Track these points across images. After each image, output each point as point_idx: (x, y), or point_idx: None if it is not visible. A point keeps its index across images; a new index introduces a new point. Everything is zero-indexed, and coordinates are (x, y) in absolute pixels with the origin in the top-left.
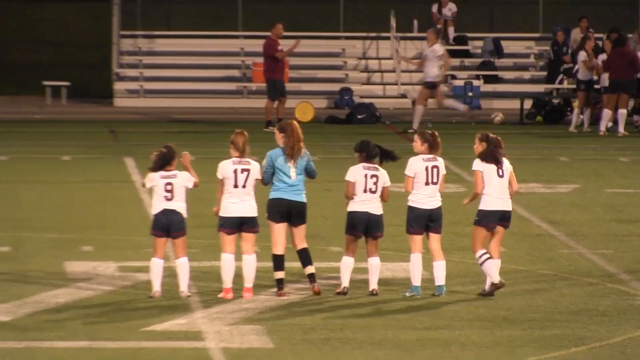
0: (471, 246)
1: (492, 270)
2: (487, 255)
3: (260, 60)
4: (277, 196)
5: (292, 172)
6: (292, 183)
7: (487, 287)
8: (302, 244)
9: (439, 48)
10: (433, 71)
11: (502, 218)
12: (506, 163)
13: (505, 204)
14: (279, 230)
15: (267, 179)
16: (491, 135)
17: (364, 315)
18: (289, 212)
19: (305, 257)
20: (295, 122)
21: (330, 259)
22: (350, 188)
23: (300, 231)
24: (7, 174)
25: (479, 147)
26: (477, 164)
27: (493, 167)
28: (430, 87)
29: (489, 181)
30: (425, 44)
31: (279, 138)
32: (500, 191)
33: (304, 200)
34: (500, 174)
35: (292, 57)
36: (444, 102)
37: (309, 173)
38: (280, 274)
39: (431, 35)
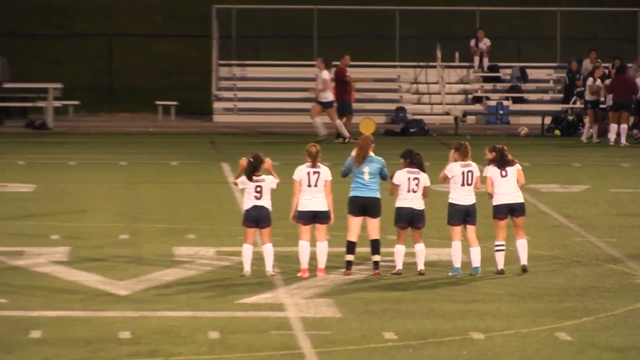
0: None
1: (498, 260)
2: (500, 248)
3: (332, 84)
4: (355, 194)
5: (366, 175)
6: (366, 183)
7: (498, 268)
8: (374, 235)
9: (326, 74)
10: (327, 94)
11: (511, 209)
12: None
13: (512, 198)
14: (355, 222)
15: (343, 173)
16: (497, 145)
17: (415, 290)
18: (365, 206)
19: (375, 247)
20: (369, 136)
21: (388, 245)
22: (395, 188)
23: (374, 223)
24: (127, 176)
25: (489, 155)
26: (486, 171)
27: (497, 170)
28: (326, 106)
29: (496, 182)
30: (463, 71)
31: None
32: (505, 189)
33: (378, 196)
34: (504, 174)
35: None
36: (314, 118)
37: (382, 177)
38: (350, 257)
39: (320, 63)
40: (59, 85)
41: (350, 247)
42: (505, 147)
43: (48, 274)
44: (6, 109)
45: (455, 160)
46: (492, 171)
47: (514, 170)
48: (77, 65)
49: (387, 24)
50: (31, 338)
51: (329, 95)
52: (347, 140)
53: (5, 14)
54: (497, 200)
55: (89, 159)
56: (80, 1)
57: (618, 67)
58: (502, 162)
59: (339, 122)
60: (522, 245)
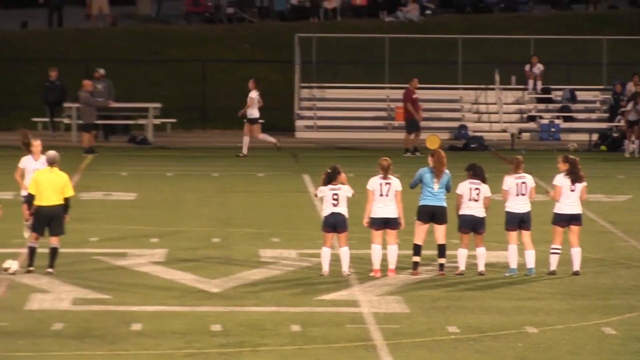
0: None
1: (552, 262)
2: (555, 251)
3: (401, 104)
4: (424, 203)
5: (436, 185)
6: (435, 193)
7: (550, 269)
8: (441, 240)
9: (254, 93)
10: (253, 111)
11: (571, 219)
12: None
13: (573, 209)
14: (422, 228)
15: (412, 184)
16: (571, 157)
17: (475, 289)
18: (433, 214)
19: (441, 250)
20: (441, 152)
21: (450, 248)
22: (459, 199)
23: (441, 229)
24: (218, 185)
25: (562, 166)
26: (557, 180)
27: (568, 183)
28: (252, 122)
29: (564, 193)
30: (518, 93)
31: (429, 161)
32: (570, 200)
33: (445, 205)
34: (573, 189)
35: (423, 102)
36: (259, 136)
37: (447, 188)
38: (416, 258)
39: (252, 84)
40: (158, 105)
41: (417, 249)
42: (577, 160)
43: (148, 273)
44: (111, 126)
45: (510, 173)
46: (563, 181)
47: (581, 186)
48: (175, 87)
49: (451, 50)
50: (132, 330)
51: (254, 112)
52: (241, 155)
53: (111, 42)
54: (559, 209)
55: (185, 170)
56: (177, 30)
57: None
58: (574, 178)
59: (246, 139)
60: (576, 253)
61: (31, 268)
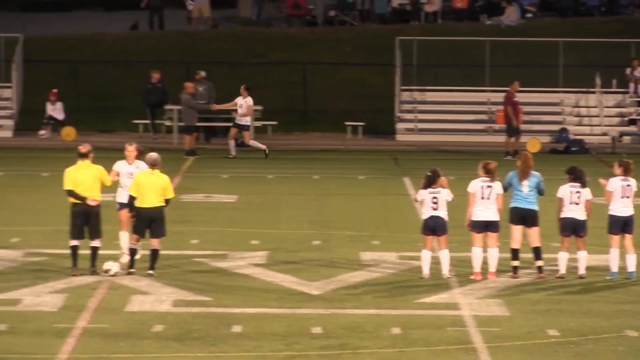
0: None
1: None
2: None
3: (502, 107)
4: (515, 205)
5: (525, 187)
6: (524, 196)
7: None
8: (535, 243)
9: (250, 100)
10: (247, 117)
11: None
12: None
13: None
14: (516, 230)
15: (504, 188)
16: None
17: (576, 292)
18: (524, 217)
19: (537, 253)
20: (528, 153)
21: (550, 251)
22: (560, 202)
23: (533, 232)
24: (318, 188)
25: None
26: None
27: None
28: (240, 127)
29: None
30: (619, 96)
31: (518, 163)
32: None
33: (536, 208)
34: None
35: (524, 105)
36: (230, 142)
37: (539, 191)
38: (515, 262)
39: (243, 91)
40: (259, 107)
41: (514, 253)
42: None
43: (248, 275)
44: (212, 128)
45: (616, 175)
46: None
47: None
48: (276, 89)
49: (552, 53)
50: (233, 332)
51: (248, 119)
52: (266, 153)
53: (212, 44)
54: None
55: (286, 173)
56: (279, 33)
57: None
58: None
59: (253, 142)
60: None
61: (132, 270)
